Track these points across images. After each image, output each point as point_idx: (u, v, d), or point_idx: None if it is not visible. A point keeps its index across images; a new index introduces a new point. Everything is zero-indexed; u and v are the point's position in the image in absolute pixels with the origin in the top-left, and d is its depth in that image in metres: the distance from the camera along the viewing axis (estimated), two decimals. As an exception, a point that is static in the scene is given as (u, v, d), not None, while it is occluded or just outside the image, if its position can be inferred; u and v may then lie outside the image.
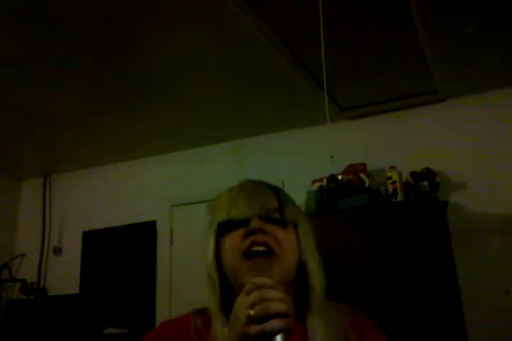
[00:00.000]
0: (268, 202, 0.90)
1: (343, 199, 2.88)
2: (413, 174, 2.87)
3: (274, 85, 2.96)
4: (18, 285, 4.08)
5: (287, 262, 0.86)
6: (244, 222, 0.87)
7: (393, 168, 2.87)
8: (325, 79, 2.23)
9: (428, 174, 2.84)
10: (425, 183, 2.78)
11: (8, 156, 3.99)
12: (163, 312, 3.61)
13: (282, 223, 0.89)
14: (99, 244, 4.04)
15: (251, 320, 0.70)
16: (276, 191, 0.94)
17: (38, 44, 2.45)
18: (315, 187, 3.06)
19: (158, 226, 3.85)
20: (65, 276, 4.06)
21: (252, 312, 0.70)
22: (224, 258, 0.89)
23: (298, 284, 0.90)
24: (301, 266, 0.89)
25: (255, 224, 0.85)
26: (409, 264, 2.57)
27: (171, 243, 3.77)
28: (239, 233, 0.87)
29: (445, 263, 2.56)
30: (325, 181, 3.02)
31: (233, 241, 0.87)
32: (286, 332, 0.70)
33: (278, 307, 0.69)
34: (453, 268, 2.66)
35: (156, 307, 3.65)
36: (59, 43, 2.44)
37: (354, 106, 3.26)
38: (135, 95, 3.03)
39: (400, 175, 2.85)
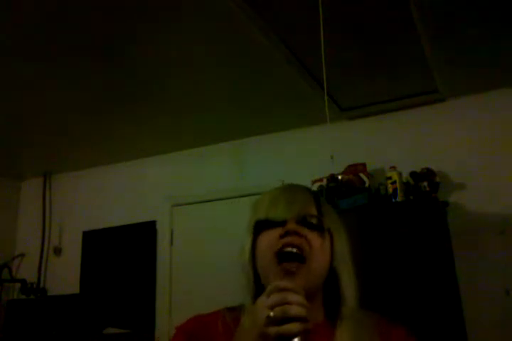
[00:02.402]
0: (307, 207, 0.92)
1: (343, 199, 2.88)
2: (413, 174, 2.87)
3: (274, 85, 2.96)
4: (18, 285, 4.08)
5: (317, 269, 0.87)
6: (281, 223, 0.89)
7: (393, 168, 2.87)
8: (325, 79, 2.24)
9: (428, 174, 2.84)
10: (425, 183, 2.78)
11: (8, 156, 3.99)
12: (163, 312, 3.61)
13: (318, 229, 0.90)
14: (99, 244, 4.04)
15: (270, 321, 0.71)
16: (317, 198, 0.96)
17: (38, 44, 2.45)
18: (315, 187, 3.06)
19: (158, 226, 3.85)
20: (65, 276, 4.06)
21: (271, 314, 0.71)
22: (258, 257, 0.90)
23: (329, 291, 0.91)
24: (333, 274, 0.90)
25: (291, 226, 0.87)
26: (409, 264, 2.57)
27: (171, 243, 3.77)
28: (275, 233, 0.88)
29: (445, 263, 2.56)
30: (325, 181, 3.02)
31: (268, 240, 0.88)
32: (304, 335, 0.71)
33: (297, 310, 0.71)
34: (453, 268, 2.66)
35: (156, 307, 3.65)
36: (59, 43, 2.45)
37: (354, 106, 3.26)
38: (135, 95, 3.03)
39: (400, 175, 2.84)
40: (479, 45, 2.60)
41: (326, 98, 2.48)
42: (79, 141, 3.72)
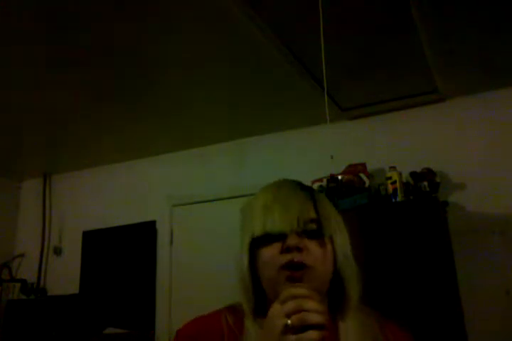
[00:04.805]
0: (305, 212, 0.87)
1: (344, 199, 2.88)
2: (413, 174, 2.87)
3: (274, 85, 2.96)
4: (18, 285, 4.08)
5: (322, 275, 0.86)
6: (280, 236, 0.85)
7: (393, 168, 2.87)
8: (325, 79, 2.23)
9: (428, 174, 2.84)
10: (425, 183, 2.78)
11: (8, 156, 3.99)
12: (163, 312, 3.61)
13: (318, 236, 0.87)
14: (99, 244, 4.04)
15: (287, 330, 0.70)
16: (312, 195, 0.91)
17: (38, 44, 2.45)
18: (315, 187, 3.06)
19: (158, 226, 3.85)
20: (65, 276, 4.06)
21: (289, 322, 0.70)
22: (260, 270, 0.87)
23: (333, 289, 0.90)
24: (337, 274, 0.89)
25: (292, 241, 0.84)
26: (409, 264, 2.57)
27: (171, 243, 3.77)
28: (275, 247, 0.85)
29: (445, 263, 2.56)
30: (325, 181, 3.02)
31: (269, 255, 0.85)
32: None
33: (315, 318, 0.70)
34: (453, 268, 2.66)
35: (156, 307, 3.65)
36: (59, 43, 2.45)
37: (354, 106, 3.26)
38: (135, 95, 3.03)
39: (400, 175, 2.84)
40: (479, 45, 2.60)
41: (326, 98, 2.48)
42: (79, 141, 3.72)
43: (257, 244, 0.88)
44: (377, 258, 2.65)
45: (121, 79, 2.84)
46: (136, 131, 3.58)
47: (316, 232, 0.87)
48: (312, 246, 0.85)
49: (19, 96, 2.99)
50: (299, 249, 0.84)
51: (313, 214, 0.88)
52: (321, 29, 2.11)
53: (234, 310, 0.91)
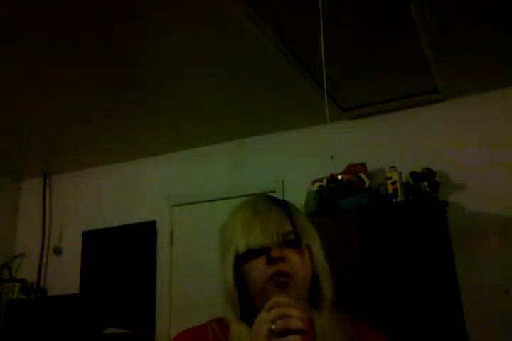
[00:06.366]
0: (283, 225, 0.95)
1: (343, 199, 2.88)
2: (413, 174, 2.87)
3: (274, 85, 2.96)
4: (18, 285, 4.08)
5: (303, 279, 0.94)
6: (263, 250, 0.92)
7: (393, 168, 2.87)
8: (325, 79, 2.23)
9: (428, 174, 2.85)
10: (425, 183, 2.78)
11: (8, 156, 3.99)
12: (163, 312, 3.61)
13: (296, 245, 0.95)
14: (99, 244, 4.04)
15: (272, 334, 0.76)
16: (286, 209, 0.98)
17: (38, 44, 2.45)
18: (315, 187, 3.06)
19: (158, 226, 3.85)
20: (65, 276, 4.06)
21: (273, 327, 0.76)
22: (249, 282, 0.93)
23: (310, 290, 0.97)
24: (315, 277, 0.97)
25: (276, 253, 0.91)
26: (409, 264, 2.57)
27: (171, 243, 3.77)
28: (260, 261, 0.92)
29: (445, 263, 2.56)
30: (325, 181, 3.03)
31: (257, 268, 0.92)
32: None
33: (297, 324, 0.76)
34: (453, 268, 2.66)
35: (156, 307, 3.65)
36: (59, 43, 2.45)
37: (354, 106, 3.26)
38: (135, 95, 3.04)
39: (400, 175, 2.84)
40: (479, 45, 2.60)
41: (326, 98, 2.48)
42: (79, 141, 3.72)
43: (240, 259, 0.94)
44: (377, 258, 2.65)
45: (121, 80, 2.84)
46: (136, 131, 3.58)
47: (294, 241, 0.95)
48: (292, 254, 0.93)
49: (19, 96, 2.99)
50: (281, 259, 0.91)
51: (289, 227, 0.95)
52: (321, 29, 2.11)
53: (220, 320, 0.98)
